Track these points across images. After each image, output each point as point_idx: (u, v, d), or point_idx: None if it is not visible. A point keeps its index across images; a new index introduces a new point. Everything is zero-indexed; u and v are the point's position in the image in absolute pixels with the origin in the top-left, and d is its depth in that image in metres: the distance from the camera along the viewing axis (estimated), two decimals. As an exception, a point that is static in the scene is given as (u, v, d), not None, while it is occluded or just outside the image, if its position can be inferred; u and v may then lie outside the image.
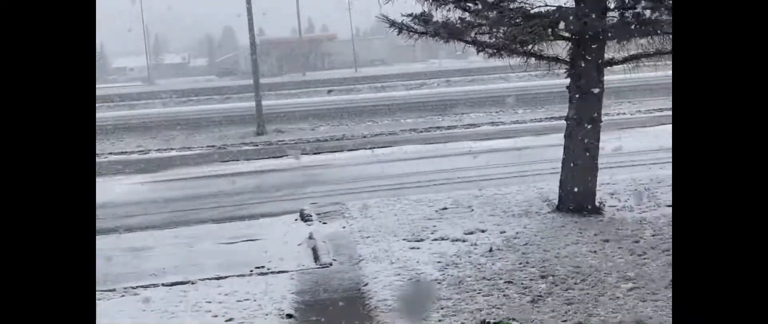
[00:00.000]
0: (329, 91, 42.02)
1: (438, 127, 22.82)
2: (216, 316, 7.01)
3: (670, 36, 9.69)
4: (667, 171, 12.73)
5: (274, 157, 18.63)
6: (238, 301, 7.39)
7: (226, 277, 8.29)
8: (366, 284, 7.63)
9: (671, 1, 9.09)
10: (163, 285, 8.09)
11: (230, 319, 6.87)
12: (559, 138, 10.32)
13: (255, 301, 7.36)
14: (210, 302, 7.39)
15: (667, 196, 10.71)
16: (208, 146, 21.60)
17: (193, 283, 8.05)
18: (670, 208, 9.96)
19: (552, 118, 22.24)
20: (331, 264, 8.59)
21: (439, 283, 7.38)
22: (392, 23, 10.03)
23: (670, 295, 6.58)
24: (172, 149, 21.33)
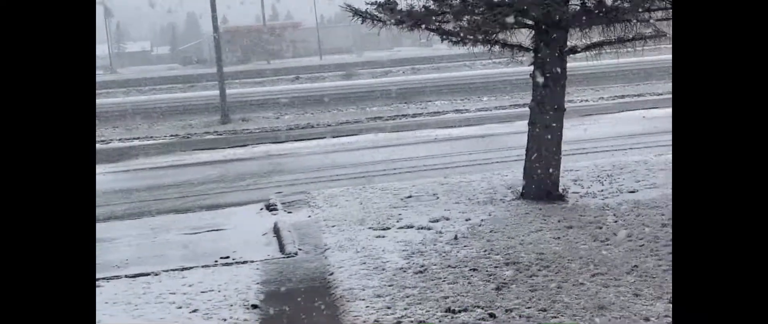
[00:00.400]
0: (294, 79, 41.83)
1: (403, 115, 22.83)
2: (180, 307, 6.95)
3: (631, 23, 9.81)
4: (630, 157, 12.92)
5: (238, 146, 18.52)
6: (202, 292, 7.34)
7: (190, 268, 8.23)
8: (332, 273, 7.62)
9: None
10: (126, 277, 8.00)
11: (195, 311, 6.83)
12: (523, 125, 10.39)
13: (220, 291, 7.31)
14: (174, 294, 7.33)
15: (629, 183, 10.85)
16: (171, 135, 21.40)
17: (156, 275, 7.98)
18: (632, 194, 10.10)
19: (516, 105, 22.38)
20: (296, 253, 8.57)
21: (404, 271, 7.40)
22: (356, 12, 10.00)
23: (632, 280, 6.67)
24: (134, 139, 21.08)
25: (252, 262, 8.36)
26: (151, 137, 21.14)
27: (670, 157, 12.38)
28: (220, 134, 21.12)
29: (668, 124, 14.57)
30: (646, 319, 5.82)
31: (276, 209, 10.97)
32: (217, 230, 10.18)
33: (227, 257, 8.69)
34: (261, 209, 11.22)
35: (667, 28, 10.40)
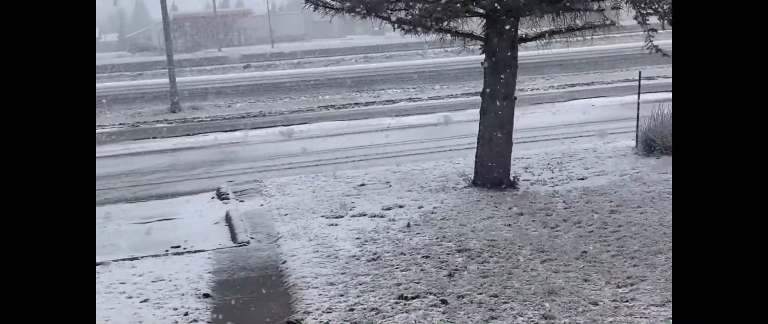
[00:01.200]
0: (245, 67, 41.48)
1: (356, 104, 22.82)
2: (130, 297, 6.87)
3: (580, 12, 9.93)
4: (579, 145, 13.11)
5: (189, 135, 18.31)
6: (153, 281, 7.26)
7: (140, 257, 8.13)
8: (284, 262, 7.60)
9: None
10: (74, 267, 7.87)
11: (145, 300, 6.75)
12: (475, 113, 10.46)
13: (170, 281, 7.24)
14: (124, 283, 7.24)
15: (578, 170, 11.01)
16: (120, 124, 21.08)
17: (106, 265, 7.86)
18: (581, 181, 10.25)
19: (468, 93, 22.52)
20: (248, 242, 8.52)
21: (357, 259, 7.41)
22: (308, -1, 9.95)
23: (581, 265, 6.78)
24: (82, 127, 20.68)
25: (203, 251, 8.30)
26: (100, 126, 20.78)
27: (618, 144, 12.60)
28: (170, 123, 20.85)
29: (616, 112, 14.91)
30: (595, 304, 5.92)
31: (228, 198, 10.88)
32: (168, 219, 10.07)
33: (178, 246, 8.61)
34: (213, 198, 11.13)
35: (615, 17, 10.55)
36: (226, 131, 18.47)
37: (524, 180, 10.45)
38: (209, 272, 7.51)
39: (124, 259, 8.05)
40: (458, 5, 9.56)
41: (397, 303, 6.17)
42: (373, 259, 7.34)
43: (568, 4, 9.65)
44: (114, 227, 9.83)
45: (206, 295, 6.84)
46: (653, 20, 9.77)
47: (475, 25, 10.36)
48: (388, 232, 8.27)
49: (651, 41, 9.64)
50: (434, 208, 9.20)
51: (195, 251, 8.31)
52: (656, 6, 9.50)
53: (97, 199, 11.65)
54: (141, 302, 6.73)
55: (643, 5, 9.58)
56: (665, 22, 9.56)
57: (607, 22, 10.31)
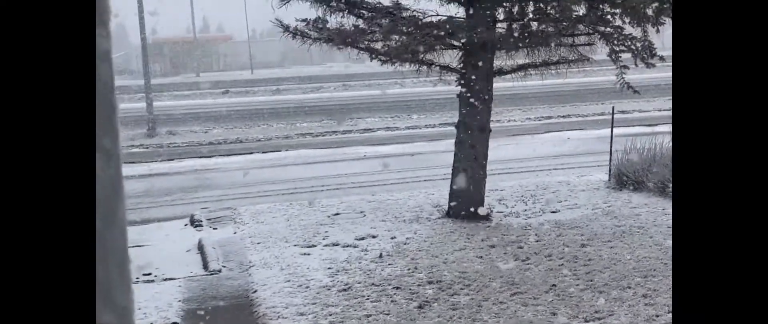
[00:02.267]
0: (224, 93, 41.45)
1: (333, 132, 22.86)
2: (98, 325, 6.81)
3: (554, 47, 10.08)
4: (553, 177, 13.20)
5: (165, 161, 18.24)
6: (122, 309, 7.20)
7: (110, 284, 8.05)
8: (255, 291, 7.58)
9: (559, 13, 9.44)
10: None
11: (113, 329, 6.69)
12: (451, 144, 10.53)
13: (140, 309, 7.19)
14: (92, 311, 7.17)
15: (551, 203, 11.09)
16: (95, 148, 20.93)
17: (75, 292, 7.79)
18: (554, 214, 10.33)
19: (445, 124, 22.63)
20: (220, 270, 8.49)
21: (328, 289, 7.40)
22: (286, 28, 10.01)
23: (551, 299, 6.82)
24: (57, 151, 20.55)
25: (174, 279, 8.25)
26: (75, 149, 20.64)
27: (591, 177, 12.71)
28: (147, 148, 20.76)
29: (591, 146, 15.00)
30: (563, 338, 5.96)
31: (201, 225, 10.84)
32: (139, 246, 10.00)
33: (149, 274, 8.55)
34: (186, 225, 11.08)
35: (590, 53, 10.71)
36: (202, 157, 18.42)
37: (498, 212, 10.51)
38: (179, 301, 7.47)
39: (93, 286, 7.98)
40: (435, 38, 9.66)
41: (366, 334, 6.17)
42: (345, 290, 7.34)
43: (543, 40, 9.78)
44: (85, 253, 9.74)
45: (175, 324, 6.80)
46: (626, 56, 9.94)
47: (452, 57, 10.48)
48: (360, 263, 8.27)
49: (623, 77, 9.80)
50: (407, 238, 9.22)
51: (166, 279, 8.27)
52: (629, 43, 9.67)
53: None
54: (109, 330, 6.67)
55: (616, 42, 9.74)
56: (637, 59, 9.72)
57: (582, 57, 10.47)
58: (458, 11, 10.11)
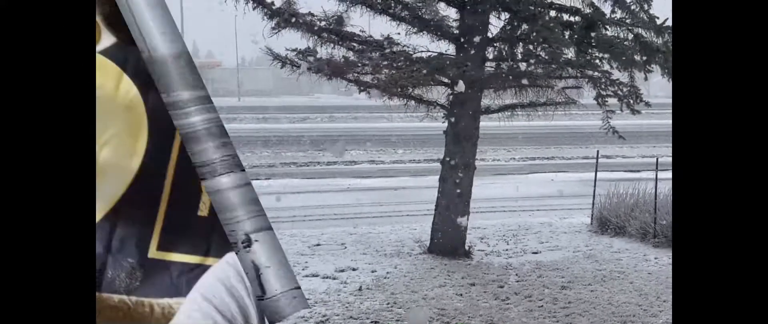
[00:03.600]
0: (210, 119, 41.27)
1: (318, 163, 22.82)
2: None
3: (543, 89, 10.15)
4: (535, 218, 13.21)
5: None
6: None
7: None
8: (231, 319, 7.48)
9: (548, 55, 9.52)
10: None
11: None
12: (435, 180, 10.52)
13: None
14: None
15: (533, 243, 11.08)
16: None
17: None
18: (535, 255, 10.31)
19: (430, 159, 22.64)
20: (197, 296, 8.39)
21: (305, 320, 7.32)
22: (276, 56, 10.02)
23: (529, 340, 6.78)
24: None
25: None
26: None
27: (573, 220, 12.73)
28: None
29: (575, 188, 14.98)
30: (540, 380, 5.91)
31: (180, 250, 10.73)
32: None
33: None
34: (164, 249, 10.96)
35: (577, 96, 10.78)
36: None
37: (479, 250, 10.48)
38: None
39: None
40: (424, 74, 9.70)
41: (342, 368, 6.10)
42: (322, 322, 7.27)
43: (531, 81, 9.85)
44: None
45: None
46: (613, 102, 10.01)
47: (440, 93, 10.52)
48: (339, 295, 8.20)
49: (608, 122, 9.86)
50: (387, 272, 9.17)
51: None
52: (615, 89, 9.75)
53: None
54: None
55: (602, 87, 9.82)
56: (623, 104, 9.80)
57: (569, 100, 10.54)
58: (448, 48, 10.18)
